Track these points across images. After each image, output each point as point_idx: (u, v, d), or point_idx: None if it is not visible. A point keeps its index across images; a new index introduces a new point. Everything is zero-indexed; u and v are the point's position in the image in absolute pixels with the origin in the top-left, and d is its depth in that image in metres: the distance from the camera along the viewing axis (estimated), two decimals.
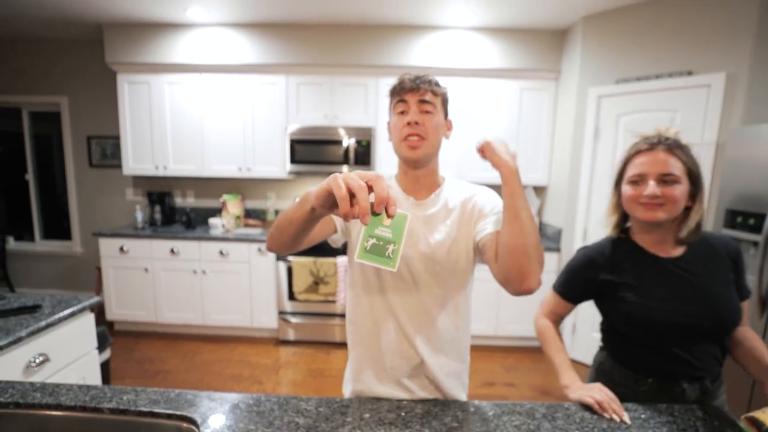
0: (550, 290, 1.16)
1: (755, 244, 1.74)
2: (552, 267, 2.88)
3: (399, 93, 0.87)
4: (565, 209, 2.84)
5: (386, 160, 3.08)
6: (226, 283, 2.96)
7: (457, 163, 3.05)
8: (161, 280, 2.98)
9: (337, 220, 0.90)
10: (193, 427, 0.82)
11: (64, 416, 0.87)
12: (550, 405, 0.92)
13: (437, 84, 0.89)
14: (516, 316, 2.95)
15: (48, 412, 0.87)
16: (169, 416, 0.85)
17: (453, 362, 0.95)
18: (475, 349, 2.91)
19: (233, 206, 3.22)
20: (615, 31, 2.51)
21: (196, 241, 2.92)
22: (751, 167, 1.79)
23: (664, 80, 2.31)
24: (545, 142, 3.05)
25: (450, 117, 0.93)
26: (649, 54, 2.38)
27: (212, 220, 3.08)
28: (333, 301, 2.86)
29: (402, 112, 0.87)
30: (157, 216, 3.30)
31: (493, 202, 0.92)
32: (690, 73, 2.22)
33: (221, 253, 2.91)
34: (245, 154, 3.10)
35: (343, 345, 2.94)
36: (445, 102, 0.91)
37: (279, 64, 2.98)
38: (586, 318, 2.76)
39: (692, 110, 2.23)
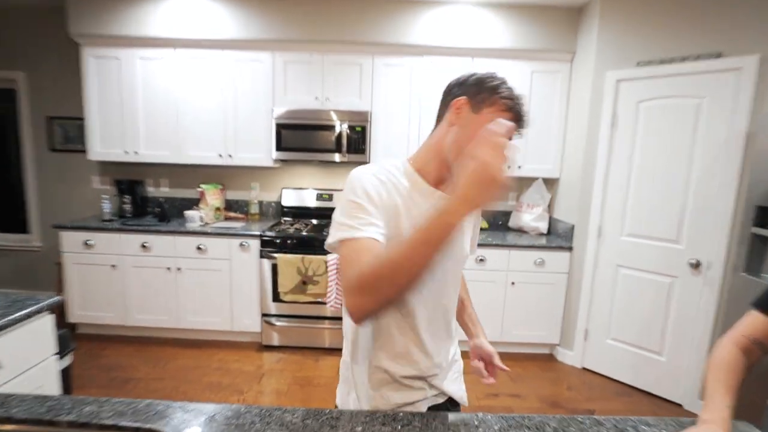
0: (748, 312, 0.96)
1: None
2: (563, 267, 2.89)
3: (508, 111, 0.84)
4: (578, 204, 2.84)
5: (382, 147, 3.06)
6: (204, 281, 2.94)
7: None
8: (131, 278, 2.94)
9: (376, 232, 0.82)
10: None
11: (15, 431, 0.84)
12: (563, 419, 0.90)
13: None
14: (523, 320, 2.95)
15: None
16: (137, 430, 0.82)
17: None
18: None
19: (213, 197, 3.18)
20: (636, 9, 2.49)
21: (171, 235, 2.88)
22: None
23: (690, 63, 2.29)
24: (557, 130, 3.04)
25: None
26: (673, 34, 2.37)
27: (189, 213, 3.04)
28: (322, 303, 2.84)
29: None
30: (127, 207, 3.26)
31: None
32: (719, 56, 2.20)
33: (199, 248, 2.88)
34: (226, 140, 3.07)
35: (333, 351, 2.93)
36: None
37: (264, 40, 2.93)
38: (601, 319, 2.77)
39: (720, 96, 2.22)
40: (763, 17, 2.08)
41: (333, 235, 0.82)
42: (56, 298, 1.48)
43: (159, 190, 3.50)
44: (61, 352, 1.70)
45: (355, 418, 0.87)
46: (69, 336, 1.83)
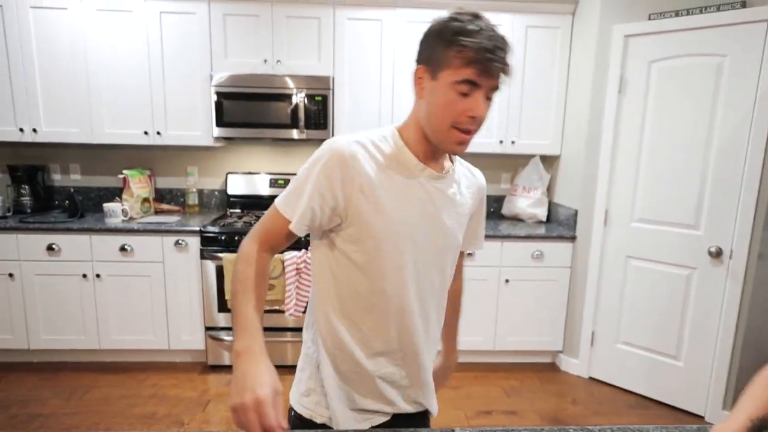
0: None
1: None
2: (566, 260, 2.88)
3: (474, 64, 0.78)
4: (582, 186, 2.81)
5: (348, 119, 3.00)
6: (130, 290, 2.83)
7: None
8: (34, 290, 2.78)
9: (299, 221, 0.88)
10: None
11: None
12: (562, 429, 0.82)
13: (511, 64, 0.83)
14: (519, 324, 2.95)
15: None
16: None
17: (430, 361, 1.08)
18: (468, 368, 2.93)
19: (139, 185, 3.05)
20: None
21: (86, 233, 2.75)
22: None
23: (711, 14, 2.26)
24: (557, 98, 3.01)
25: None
26: None
27: (109, 205, 2.91)
28: (280, 311, 2.74)
29: (466, 94, 0.81)
30: (26, 200, 3.10)
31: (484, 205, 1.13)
32: (744, 5, 2.18)
33: (123, 249, 2.76)
34: (153, 113, 2.92)
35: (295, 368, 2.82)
36: None
37: None
38: (609, 320, 2.77)
39: (746, 54, 2.19)
40: None
41: (281, 196, 0.92)
42: None
43: (69, 178, 3.35)
44: None
45: None
46: None
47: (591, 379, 2.87)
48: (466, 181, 1.02)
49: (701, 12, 2.30)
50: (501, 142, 3.03)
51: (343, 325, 0.95)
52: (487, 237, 2.80)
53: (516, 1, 2.87)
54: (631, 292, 2.67)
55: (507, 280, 2.88)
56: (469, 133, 0.84)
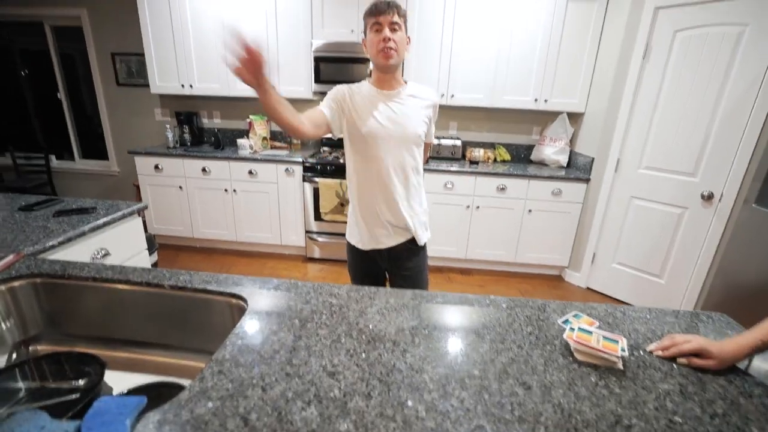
0: None
1: None
2: (579, 197, 2.86)
3: (375, 15, 1.16)
4: (600, 138, 2.74)
5: (414, 75, 2.96)
6: (255, 202, 3.09)
7: (489, 80, 2.93)
8: (195, 198, 3.14)
9: (325, 107, 1.23)
10: (242, 303, 0.96)
11: (132, 290, 1.03)
12: (561, 303, 1.00)
13: (400, 6, 1.18)
14: (536, 244, 3.01)
15: (120, 286, 1.03)
16: (221, 293, 0.99)
17: (419, 207, 1.38)
18: (492, 274, 3.09)
19: (260, 127, 3.25)
20: None
21: (226, 161, 3.01)
22: None
23: None
24: (587, 64, 2.84)
25: (409, 34, 1.25)
26: None
27: (240, 141, 3.14)
28: None
29: (377, 31, 1.17)
30: (186, 136, 3.39)
31: (436, 114, 1.39)
32: None
33: (250, 173, 3.01)
34: (270, 73, 3.01)
35: None
36: (406, 21, 1.21)
37: None
38: (609, 245, 2.79)
39: (766, 22, 1.98)
40: None
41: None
42: (142, 204, 1.66)
43: (212, 122, 3.59)
44: (150, 250, 1.94)
45: (390, 293, 1.00)
46: (153, 238, 2.07)
47: (588, 288, 2.95)
48: (419, 95, 1.30)
49: None
50: (536, 100, 2.94)
51: (355, 188, 1.33)
52: (516, 176, 2.82)
53: None
54: (630, 224, 2.65)
55: (530, 211, 2.90)
56: (388, 51, 1.16)
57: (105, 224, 1.46)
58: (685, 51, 2.28)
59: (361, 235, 1.37)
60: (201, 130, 3.56)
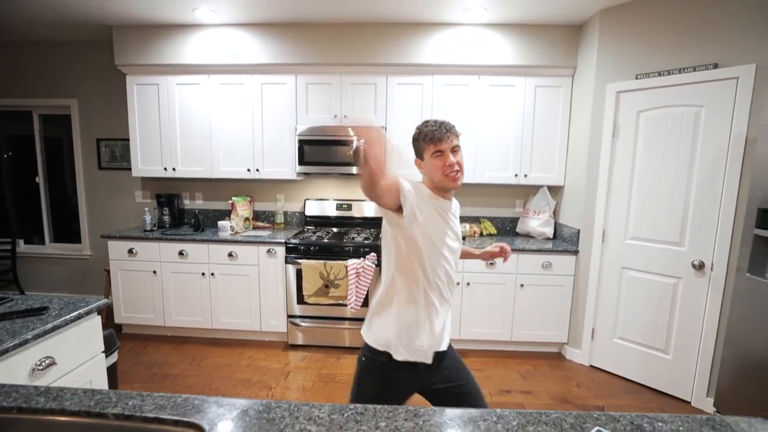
0: None
1: None
2: (570, 270, 2.82)
3: (435, 143, 1.19)
4: (583, 210, 2.77)
5: (395, 158, 2.95)
6: (234, 285, 2.96)
7: (470, 162, 3.00)
8: (169, 283, 2.98)
9: (403, 182, 1.13)
10: None
11: (67, 422, 0.85)
12: (579, 415, 0.86)
13: (455, 128, 1.23)
14: (532, 321, 2.88)
15: (52, 417, 0.85)
16: (176, 422, 0.82)
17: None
18: (489, 354, 2.91)
19: (242, 208, 3.22)
20: (634, 24, 2.45)
21: (205, 243, 2.92)
22: None
23: (688, 74, 2.23)
24: (561, 140, 2.98)
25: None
26: (671, 47, 2.31)
27: (221, 222, 3.07)
28: (343, 305, 2.83)
29: (439, 157, 1.20)
30: (166, 218, 3.32)
31: None
32: (716, 66, 2.14)
33: (230, 255, 2.91)
34: (254, 156, 3.10)
35: (353, 349, 2.91)
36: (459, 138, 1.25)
37: (288, 64, 2.98)
38: (607, 319, 2.68)
39: (719, 105, 2.14)
40: (757, 28, 2.02)
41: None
42: (102, 301, 1.50)
43: (194, 203, 3.55)
44: (108, 350, 1.72)
45: (379, 414, 0.85)
46: (114, 336, 1.86)
47: (592, 366, 2.77)
48: (457, 207, 1.35)
49: (680, 72, 2.27)
50: (516, 175, 3.02)
51: (412, 288, 1.26)
52: None
53: (528, 67, 2.89)
54: (625, 296, 2.58)
55: (522, 285, 2.83)
56: (455, 174, 1.20)
57: (54, 328, 1.28)
58: (651, 128, 2.41)
59: (421, 341, 1.22)
60: (182, 211, 3.50)
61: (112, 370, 1.79)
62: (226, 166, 3.13)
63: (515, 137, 3.00)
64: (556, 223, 3.14)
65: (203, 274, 2.95)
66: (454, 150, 1.20)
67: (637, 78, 2.44)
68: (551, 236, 3.09)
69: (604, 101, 2.60)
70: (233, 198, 3.20)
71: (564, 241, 3.00)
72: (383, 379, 1.21)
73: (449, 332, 1.31)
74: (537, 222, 3.10)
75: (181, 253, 2.93)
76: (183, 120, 3.11)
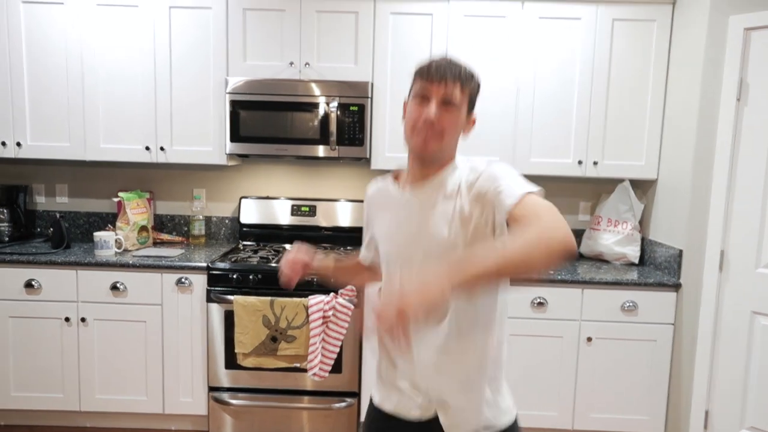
0: None
1: None
2: (667, 315, 2.72)
3: (423, 81, 1.17)
4: (688, 220, 2.66)
5: (389, 136, 3.01)
6: (121, 339, 2.83)
7: (508, 141, 2.99)
8: (7, 335, 2.79)
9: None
10: None
11: None
12: None
13: (470, 76, 1.19)
14: (605, 400, 2.78)
15: None
16: None
17: None
18: None
19: (136, 211, 3.08)
20: None
21: (72, 267, 2.76)
22: None
23: None
24: (652, 109, 2.93)
25: (475, 110, 1.26)
26: None
27: (100, 234, 2.90)
28: (302, 370, 2.68)
29: (419, 102, 1.18)
30: (4, 226, 3.15)
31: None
32: None
33: (115, 288, 2.76)
34: (157, 126, 3.01)
35: None
36: (473, 96, 1.23)
37: None
38: (730, 397, 2.53)
39: None
40: None
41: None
42: None
43: (54, 201, 3.46)
44: None
45: None
46: None
47: None
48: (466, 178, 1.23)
49: None
50: (580, 162, 2.95)
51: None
52: (561, 282, 2.72)
53: None
54: (759, 359, 2.45)
55: (589, 339, 2.73)
56: (425, 134, 1.15)
57: None
58: None
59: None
60: (31, 214, 3.40)
61: None
62: (109, 141, 3.01)
63: (579, 103, 2.95)
64: (643, 240, 3.09)
65: (67, 319, 2.78)
66: (447, 103, 1.16)
67: None
68: (636, 261, 3.04)
69: (725, 44, 2.49)
70: (121, 194, 3.07)
71: (657, 268, 2.93)
72: None
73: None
74: (614, 238, 3.05)
75: (29, 285, 2.75)
76: (35, 64, 2.95)
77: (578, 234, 3.26)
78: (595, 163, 2.94)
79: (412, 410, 1.25)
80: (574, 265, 3.00)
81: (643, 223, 3.11)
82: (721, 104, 2.51)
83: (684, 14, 2.76)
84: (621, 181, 3.09)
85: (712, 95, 2.55)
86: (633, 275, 2.77)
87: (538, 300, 2.70)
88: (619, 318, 2.73)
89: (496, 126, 2.97)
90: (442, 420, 1.21)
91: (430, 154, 1.20)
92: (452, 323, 1.20)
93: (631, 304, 2.69)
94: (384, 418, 1.31)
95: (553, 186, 3.29)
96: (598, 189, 3.30)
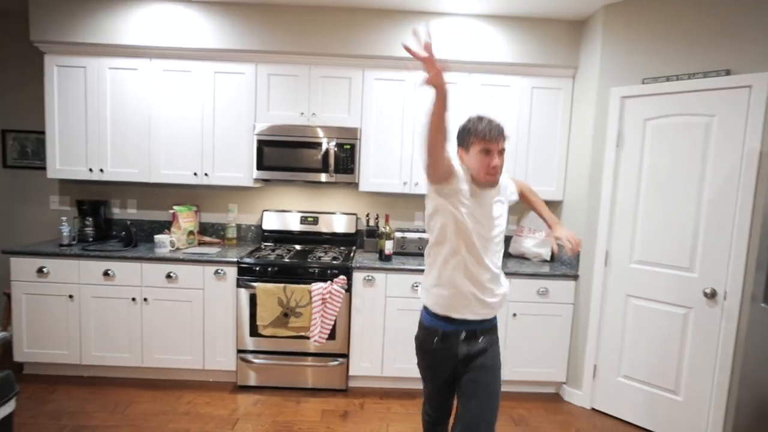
0: None
1: None
2: (569, 297, 2.85)
3: (486, 141, 1.43)
4: (584, 229, 2.82)
5: (373, 166, 3.05)
6: (173, 314, 2.84)
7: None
8: (90, 310, 2.82)
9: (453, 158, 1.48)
10: None
11: None
12: None
13: (504, 130, 1.48)
14: (526, 356, 2.89)
15: None
16: None
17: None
18: None
19: (186, 219, 3.11)
20: (641, 23, 2.55)
21: (138, 261, 2.80)
22: None
23: (698, 80, 2.33)
24: (560, 149, 3.06)
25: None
26: (680, 50, 2.41)
27: (159, 237, 2.95)
28: (306, 337, 2.76)
29: (486, 154, 1.45)
30: (89, 230, 3.17)
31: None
32: (728, 73, 2.24)
33: (169, 276, 2.80)
34: (203, 157, 3.03)
35: (316, 391, 2.83)
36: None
37: (247, 51, 2.93)
38: (611, 355, 2.71)
39: (731, 114, 2.24)
40: None
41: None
42: (1, 335, 1.36)
43: (126, 212, 3.42)
44: (2, 398, 1.56)
45: None
46: (12, 378, 1.69)
47: (593, 410, 2.78)
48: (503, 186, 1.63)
49: (689, 78, 2.36)
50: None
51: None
52: None
53: (524, 66, 2.96)
54: (631, 328, 2.62)
55: (515, 314, 2.84)
56: (494, 174, 1.46)
57: None
58: (658, 138, 2.49)
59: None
60: (109, 222, 3.36)
61: (5, 425, 1.62)
62: (167, 168, 3.03)
63: (510, 147, 3.04)
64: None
65: (134, 299, 2.81)
66: (501, 152, 1.45)
67: (643, 83, 2.54)
68: (548, 258, 3.13)
69: (607, 107, 2.68)
70: (175, 207, 3.09)
71: (563, 264, 3.04)
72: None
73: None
74: (532, 242, 3.14)
75: (106, 274, 2.79)
76: (115, 111, 2.99)
77: (508, 239, 3.31)
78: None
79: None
80: (504, 261, 3.05)
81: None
82: (606, 149, 2.67)
83: (581, 85, 2.91)
84: None
85: (600, 142, 2.71)
86: (546, 269, 2.89)
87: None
88: (536, 299, 2.83)
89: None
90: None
91: (493, 185, 1.49)
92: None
93: (544, 289, 2.82)
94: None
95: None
96: (522, 207, 3.29)
